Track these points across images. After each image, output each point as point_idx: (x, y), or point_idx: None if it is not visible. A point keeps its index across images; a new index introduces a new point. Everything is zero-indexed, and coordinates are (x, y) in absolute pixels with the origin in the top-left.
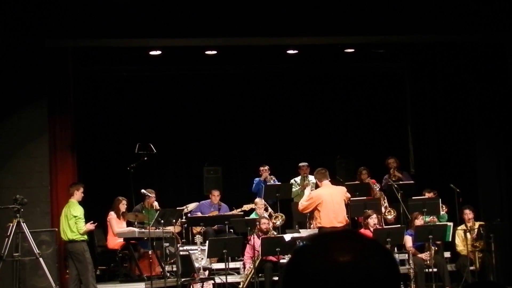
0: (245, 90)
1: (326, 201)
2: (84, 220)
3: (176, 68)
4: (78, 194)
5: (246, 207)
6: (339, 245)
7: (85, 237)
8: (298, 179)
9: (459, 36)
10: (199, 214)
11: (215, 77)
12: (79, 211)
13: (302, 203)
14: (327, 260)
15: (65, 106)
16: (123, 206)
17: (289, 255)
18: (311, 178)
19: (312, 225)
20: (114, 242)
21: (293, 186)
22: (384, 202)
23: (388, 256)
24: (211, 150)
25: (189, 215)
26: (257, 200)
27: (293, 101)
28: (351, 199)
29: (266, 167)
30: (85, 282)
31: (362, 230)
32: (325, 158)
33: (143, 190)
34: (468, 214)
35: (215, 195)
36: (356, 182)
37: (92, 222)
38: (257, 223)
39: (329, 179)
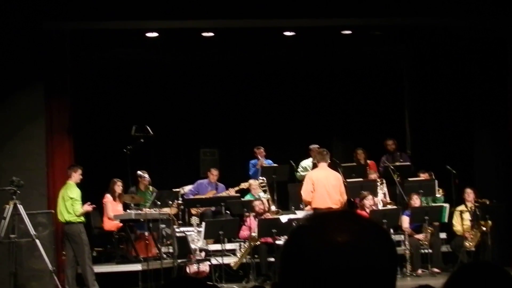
0: (242, 73)
1: (321, 182)
2: (80, 202)
3: (173, 51)
4: (76, 176)
5: (244, 185)
6: (336, 225)
7: (82, 218)
8: (308, 162)
9: (458, 20)
10: (196, 193)
11: (212, 60)
12: (76, 193)
13: (302, 194)
14: (324, 240)
15: (62, 89)
16: (118, 188)
17: (286, 236)
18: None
19: (307, 207)
20: (111, 223)
21: (300, 170)
22: (383, 187)
23: (386, 237)
24: (207, 133)
25: (185, 196)
26: (251, 181)
27: (290, 84)
28: (348, 180)
29: (262, 149)
30: (82, 264)
31: (358, 211)
32: (321, 140)
33: (139, 172)
34: (469, 193)
35: (214, 174)
36: (353, 164)
37: (89, 203)
38: (253, 205)
39: (328, 162)
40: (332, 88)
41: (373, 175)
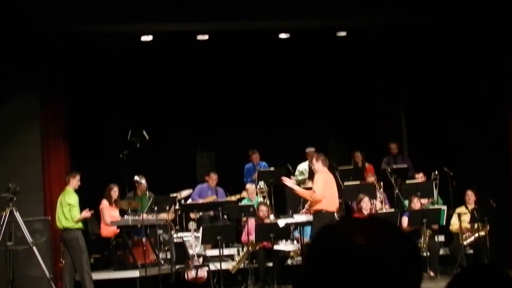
0: (238, 75)
1: (331, 185)
2: (78, 208)
3: (168, 54)
4: (74, 182)
5: (245, 194)
6: (362, 228)
7: (80, 225)
8: (304, 165)
9: (454, 18)
10: (197, 198)
11: (208, 63)
12: (73, 199)
13: (318, 191)
14: (349, 241)
15: (57, 93)
16: (114, 194)
17: (284, 241)
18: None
19: (304, 210)
20: (108, 230)
21: (297, 174)
22: (381, 195)
23: (411, 243)
24: (204, 136)
25: (182, 201)
26: (248, 186)
27: (286, 86)
28: (345, 183)
29: (257, 153)
30: (80, 270)
31: (356, 215)
32: (318, 142)
33: (136, 177)
34: (470, 195)
35: (213, 178)
36: (350, 167)
37: (87, 209)
38: (253, 209)
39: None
40: (328, 90)
41: (371, 179)
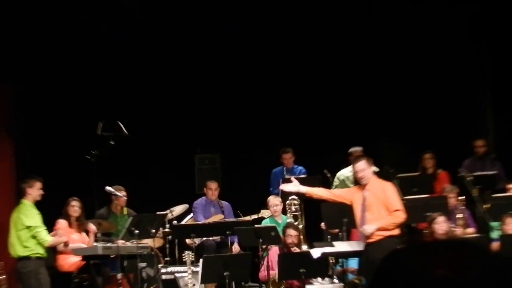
0: (253, 49)
1: None
2: (44, 227)
3: (153, 19)
4: (34, 193)
5: (266, 213)
6: (445, 255)
7: (42, 252)
8: (347, 171)
9: None
10: (202, 218)
11: (210, 28)
12: (34, 217)
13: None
14: (429, 273)
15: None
16: (74, 211)
17: (320, 279)
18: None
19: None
20: (68, 262)
21: (336, 184)
22: (461, 213)
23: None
24: (205, 133)
25: (174, 222)
26: (272, 198)
27: (320, 66)
28: (406, 197)
29: (290, 153)
30: None
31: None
32: (367, 140)
33: (108, 188)
34: None
35: (212, 188)
36: (415, 174)
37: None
38: (276, 233)
39: None
40: (379, 71)
41: (450, 190)
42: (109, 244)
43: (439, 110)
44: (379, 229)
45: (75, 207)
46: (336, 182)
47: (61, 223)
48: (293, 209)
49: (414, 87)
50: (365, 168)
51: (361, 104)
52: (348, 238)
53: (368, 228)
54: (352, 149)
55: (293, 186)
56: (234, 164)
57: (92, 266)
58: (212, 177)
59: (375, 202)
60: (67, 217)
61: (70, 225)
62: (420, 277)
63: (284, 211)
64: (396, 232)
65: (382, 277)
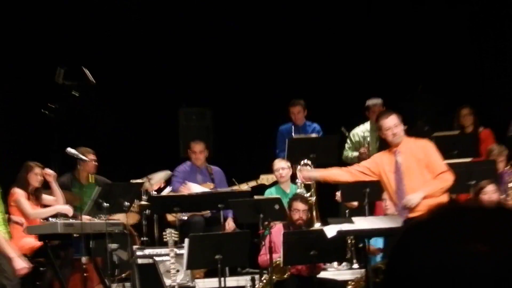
0: None
1: None
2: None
3: None
4: None
5: (267, 178)
6: (488, 226)
7: (3, 230)
8: (364, 129)
9: None
10: (182, 188)
11: None
12: None
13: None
14: (455, 246)
15: None
16: (36, 180)
17: (333, 263)
18: None
19: (390, 208)
20: (22, 242)
21: (347, 146)
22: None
23: None
24: (193, 81)
25: (153, 193)
26: (277, 161)
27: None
28: (446, 162)
29: (300, 105)
30: None
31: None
32: (392, 91)
33: (71, 150)
34: None
35: (197, 151)
36: (453, 132)
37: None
38: (281, 206)
39: None
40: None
41: (498, 153)
42: (72, 221)
43: (474, 56)
44: (425, 198)
45: (38, 176)
46: (348, 144)
47: (18, 192)
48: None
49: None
50: (398, 123)
51: (385, 46)
52: (371, 212)
53: (414, 197)
54: (370, 102)
55: (306, 173)
56: (229, 120)
57: (50, 248)
58: (200, 137)
59: (415, 165)
60: (25, 185)
61: (28, 196)
62: (450, 254)
63: (293, 179)
64: (444, 199)
65: (400, 253)
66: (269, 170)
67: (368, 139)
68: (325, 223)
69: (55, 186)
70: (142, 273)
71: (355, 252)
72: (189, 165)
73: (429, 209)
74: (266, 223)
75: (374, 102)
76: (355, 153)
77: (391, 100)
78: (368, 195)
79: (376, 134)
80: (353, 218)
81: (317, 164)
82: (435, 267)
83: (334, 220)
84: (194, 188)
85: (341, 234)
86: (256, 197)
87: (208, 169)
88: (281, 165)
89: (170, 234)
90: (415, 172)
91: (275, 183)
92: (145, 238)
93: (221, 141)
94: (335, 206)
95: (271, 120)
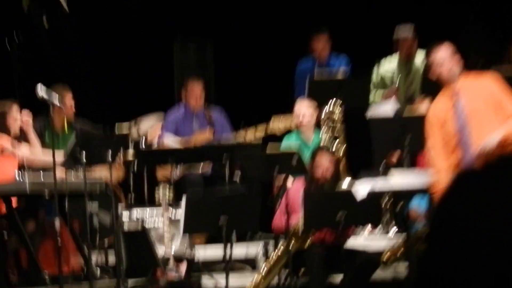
0: None
1: None
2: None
3: None
4: None
5: (279, 124)
6: None
7: None
8: (392, 65)
9: None
10: (170, 136)
11: None
12: None
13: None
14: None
15: None
16: (15, 123)
17: (365, 227)
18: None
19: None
20: None
21: (373, 84)
22: None
23: None
24: (190, 8)
25: (142, 143)
26: (298, 102)
27: None
28: None
29: (323, 40)
30: None
31: None
32: (430, 18)
33: (42, 89)
34: None
35: (195, 91)
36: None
37: None
38: (300, 160)
39: None
40: None
41: None
42: (42, 174)
43: None
44: (501, 142)
45: (17, 121)
46: (374, 76)
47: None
48: (331, 124)
49: None
50: (450, 57)
51: None
52: (412, 165)
53: (491, 140)
54: (398, 34)
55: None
56: (234, 54)
57: (15, 210)
58: (198, 73)
59: (481, 106)
60: (4, 128)
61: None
62: (507, 210)
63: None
64: None
65: (450, 205)
66: (282, 113)
67: (394, 72)
68: (355, 179)
69: (33, 136)
70: (129, 240)
71: (393, 213)
72: (183, 109)
73: (488, 159)
74: (282, 179)
75: (404, 34)
76: (379, 91)
77: (436, 29)
78: (409, 143)
79: (406, 72)
80: (391, 171)
81: (345, 110)
82: (489, 222)
83: (367, 173)
84: (169, 141)
85: (373, 194)
86: (270, 144)
87: (206, 113)
88: (304, 109)
89: (162, 192)
90: (481, 114)
91: (289, 131)
92: (131, 197)
93: (224, 80)
94: (368, 159)
95: (286, 54)
